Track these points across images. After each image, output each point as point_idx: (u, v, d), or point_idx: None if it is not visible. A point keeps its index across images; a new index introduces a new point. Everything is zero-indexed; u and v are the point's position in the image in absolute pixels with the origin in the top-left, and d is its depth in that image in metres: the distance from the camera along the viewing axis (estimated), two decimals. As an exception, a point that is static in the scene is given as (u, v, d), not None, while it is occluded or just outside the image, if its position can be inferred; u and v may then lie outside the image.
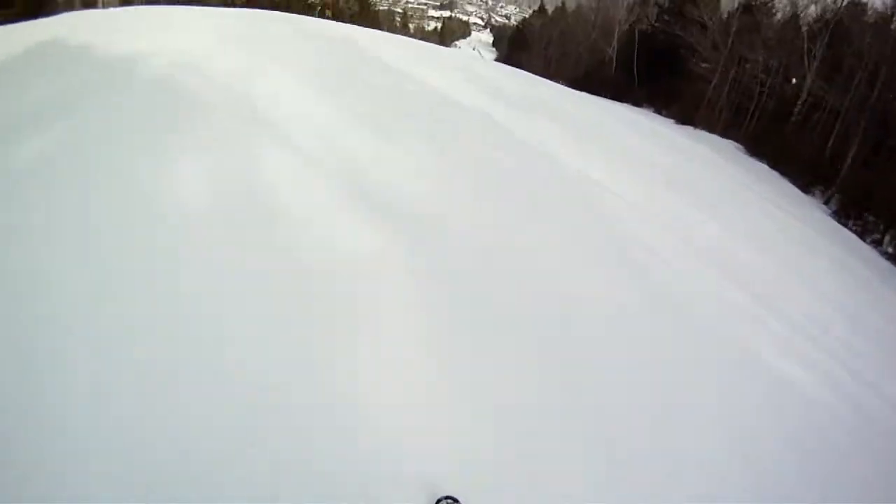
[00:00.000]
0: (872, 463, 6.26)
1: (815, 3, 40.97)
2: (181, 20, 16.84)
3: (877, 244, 24.16)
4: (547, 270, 7.03)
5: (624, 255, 8.39)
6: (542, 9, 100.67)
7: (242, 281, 5.12)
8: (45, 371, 3.84)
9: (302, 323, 4.84)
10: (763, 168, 31.14)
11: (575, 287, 6.91)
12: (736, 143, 36.56)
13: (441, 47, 35.11)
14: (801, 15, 43.03)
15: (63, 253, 5.00)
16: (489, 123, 12.46)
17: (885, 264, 21.89)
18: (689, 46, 46.48)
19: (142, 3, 37.14)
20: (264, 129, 8.45)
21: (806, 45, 37.96)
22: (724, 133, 38.95)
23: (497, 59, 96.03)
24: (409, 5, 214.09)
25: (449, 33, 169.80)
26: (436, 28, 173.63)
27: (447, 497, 3.62)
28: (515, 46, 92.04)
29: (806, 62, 37.78)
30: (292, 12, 32.81)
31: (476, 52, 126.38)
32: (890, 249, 23.87)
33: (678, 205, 12.17)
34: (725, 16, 48.26)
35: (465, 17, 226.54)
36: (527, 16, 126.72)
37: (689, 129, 38.18)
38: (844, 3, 38.12)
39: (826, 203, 28.81)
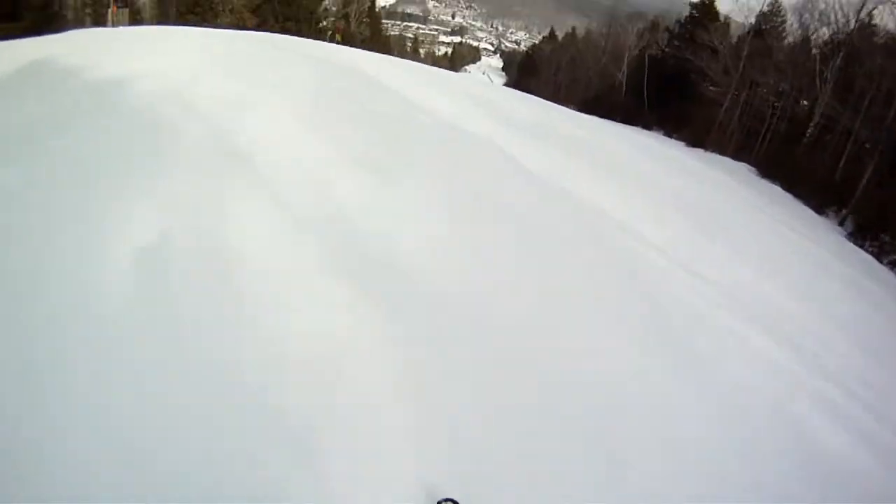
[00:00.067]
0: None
1: (827, 26, 40.79)
2: (182, 42, 16.76)
3: (894, 265, 23.77)
4: (575, 349, 5.74)
5: (660, 324, 6.90)
6: (552, 34, 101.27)
7: (182, 393, 3.93)
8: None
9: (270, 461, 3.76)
10: (776, 190, 30.66)
11: (604, 365, 5.70)
12: (748, 166, 36.23)
13: (451, 72, 35.09)
14: (813, 38, 42.84)
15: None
16: (501, 158, 11.24)
17: (903, 286, 21.42)
18: (700, 71, 46.28)
19: (153, 22, 37.38)
20: (244, 176, 7.34)
21: (818, 68, 37.72)
22: (736, 155, 38.64)
23: (507, 84, 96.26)
24: (421, 31, 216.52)
25: (459, 58, 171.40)
26: (446, 53, 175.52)
27: (447, 499, 3.55)
28: (525, 71, 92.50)
29: (818, 84, 37.55)
30: (304, 37, 33.01)
31: (486, 76, 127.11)
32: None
33: (706, 245, 11.22)
34: (735, 40, 48.20)
35: (475, 43, 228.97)
36: (537, 41, 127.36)
37: (700, 151, 37.96)
38: (856, 26, 37.88)
39: (840, 224, 28.37)
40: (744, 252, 11.85)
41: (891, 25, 38.96)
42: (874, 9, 37.61)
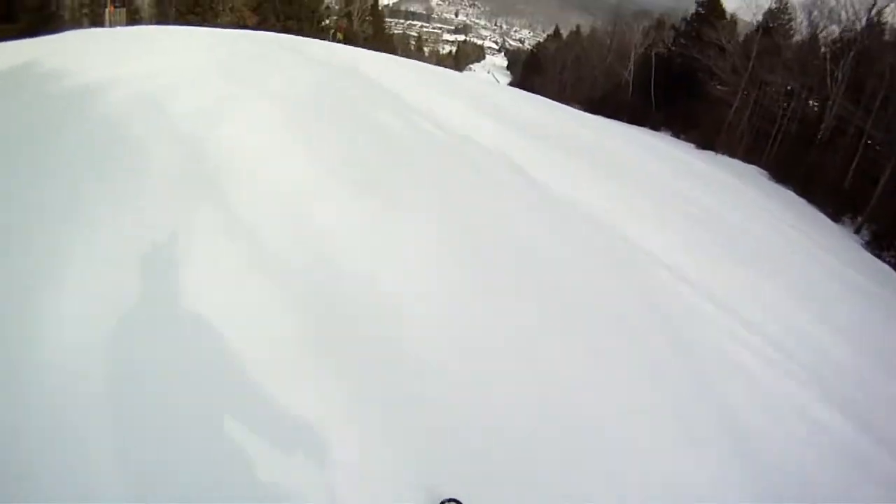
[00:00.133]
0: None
1: (837, 24, 40.04)
2: (174, 42, 16.32)
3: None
4: (603, 427, 4.73)
5: (704, 393, 5.79)
6: (556, 33, 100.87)
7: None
8: None
9: None
10: (790, 196, 29.80)
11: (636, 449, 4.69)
12: (759, 169, 35.47)
13: (455, 73, 34.38)
14: (821, 36, 42.10)
15: None
16: (511, 171, 10.37)
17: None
18: (707, 69, 45.71)
19: (151, 22, 36.97)
20: (210, 210, 6.13)
21: (828, 67, 36.95)
22: (746, 158, 37.91)
23: (512, 83, 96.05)
24: (424, 29, 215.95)
25: (464, 57, 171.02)
26: (451, 52, 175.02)
27: (450, 500, 3.54)
28: (530, 70, 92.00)
29: (829, 84, 36.79)
30: (305, 35, 32.52)
31: (491, 75, 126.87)
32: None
33: (738, 273, 9.95)
34: (742, 38, 47.45)
35: (479, 42, 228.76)
36: (541, 40, 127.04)
37: (711, 154, 37.21)
38: (866, 24, 37.14)
39: (857, 232, 27.45)
40: (776, 279, 10.75)
41: (899, 23, 38.27)
42: (886, 6, 36.91)
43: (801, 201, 28.87)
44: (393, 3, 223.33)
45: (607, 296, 6.98)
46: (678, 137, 44.45)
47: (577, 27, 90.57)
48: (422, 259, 6.25)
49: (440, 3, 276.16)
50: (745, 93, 42.56)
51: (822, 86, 37.72)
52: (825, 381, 7.10)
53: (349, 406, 4.14)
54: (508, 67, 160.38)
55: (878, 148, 32.12)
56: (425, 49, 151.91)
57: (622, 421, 4.89)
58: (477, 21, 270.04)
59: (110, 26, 28.31)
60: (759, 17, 46.35)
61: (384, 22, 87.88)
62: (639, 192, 12.81)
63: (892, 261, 23.66)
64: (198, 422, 3.69)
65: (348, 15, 62.09)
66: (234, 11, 44.05)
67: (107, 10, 30.80)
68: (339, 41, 44.85)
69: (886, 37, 37.39)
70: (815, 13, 42.60)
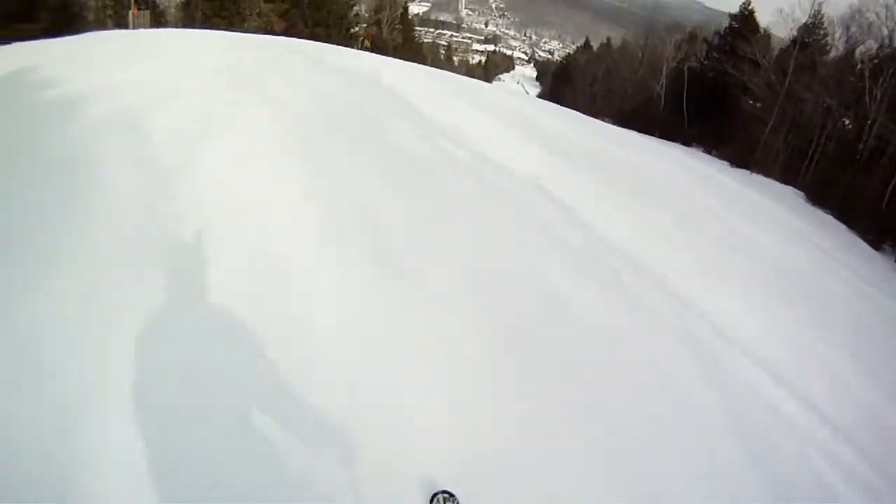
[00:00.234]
0: None
1: (875, 39, 38.89)
2: (186, 46, 15.79)
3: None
4: None
5: None
6: (587, 44, 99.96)
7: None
8: None
9: None
10: (828, 220, 28.14)
11: None
12: (795, 190, 34.18)
13: (483, 83, 33.63)
14: (859, 52, 40.95)
15: None
16: (551, 214, 8.86)
17: None
18: (741, 85, 44.65)
19: (177, 25, 36.80)
20: (157, 275, 4.88)
21: (867, 84, 35.85)
22: (781, 177, 36.73)
23: (541, 94, 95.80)
24: (454, 39, 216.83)
25: (493, 67, 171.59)
26: (480, 62, 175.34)
27: (443, 492, 3.63)
28: (560, 81, 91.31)
29: (867, 101, 35.67)
30: (333, 43, 32.11)
31: (520, 86, 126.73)
32: None
33: (785, 323, 8.44)
34: (776, 53, 46.40)
35: (508, 52, 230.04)
36: (570, 51, 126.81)
37: (745, 173, 36.08)
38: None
39: (897, 261, 25.75)
40: (825, 328, 9.11)
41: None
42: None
43: (841, 227, 27.33)
44: (423, 13, 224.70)
45: (687, 404, 5.57)
46: (710, 154, 43.50)
47: (608, 39, 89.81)
48: (452, 384, 4.63)
49: (470, 13, 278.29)
50: (782, 110, 41.40)
51: (861, 104, 36.59)
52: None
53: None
54: (538, 78, 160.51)
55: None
56: (455, 59, 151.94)
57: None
58: (506, 31, 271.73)
59: (134, 28, 28.26)
60: (795, 32, 45.17)
61: (414, 30, 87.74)
62: (689, 231, 11.71)
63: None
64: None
65: (378, 23, 61.91)
66: (262, 16, 43.69)
67: (130, 12, 30.69)
68: (366, 49, 44.57)
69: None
70: (854, 28, 41.48)
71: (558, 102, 43.45)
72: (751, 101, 44.79)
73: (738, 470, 4.86)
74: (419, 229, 7.07)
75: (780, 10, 45.50)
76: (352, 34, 54.48)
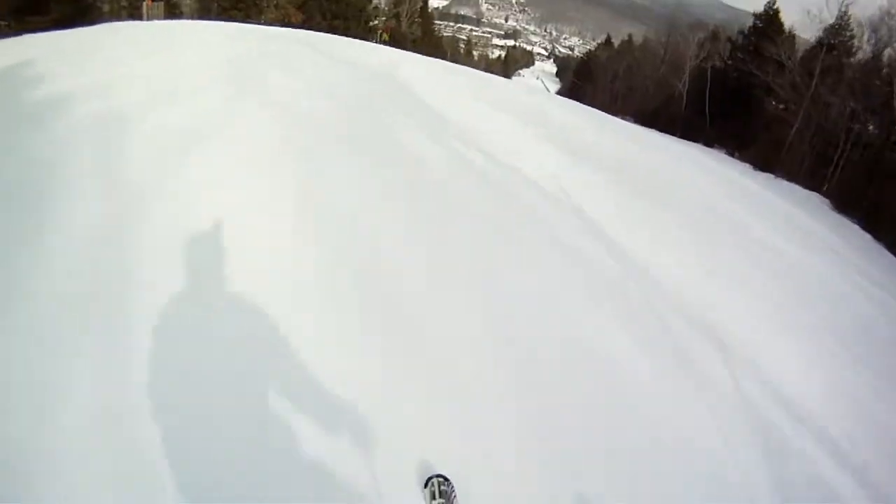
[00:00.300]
0: None
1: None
2: (195, 40, 15.30)
3: None
4: None
5: None
6: (608, 41, 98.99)
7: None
8: None
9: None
10: (855, 231, 26.89)
11: None
12: (820, 197, 33.27)
13: (503, 80, 33.04)
14: (887, 54, 40.02)
15: None
16: (580, 237, 7.91)
17: None
18: (765, 86, 43.82)
19: (193, 17, 36.51)
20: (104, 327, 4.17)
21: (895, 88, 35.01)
22: (807, 183, 35.82)
23: (561, 90, 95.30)
24: (474, 33, 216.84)
25: (513, 62, 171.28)
26: (500, 56, 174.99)
27: (438, 475, 3.56)
28: (580, 78, 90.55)
29: (895, 106, 34.83)
30: (351, 36, 31.67)
31: (540, 81, 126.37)
32: None
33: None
34: (800, 54, 45.49)
35: (528, 47, 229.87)
36: (591, 47, 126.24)
37: (770, 177, 35.20)
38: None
39: (926, 278, 24.60)
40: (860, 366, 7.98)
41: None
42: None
43: (867, 237, 26.25)
44: (443, 6, 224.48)
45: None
46: (732, 156, 42.76)
47: (630, 36, 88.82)
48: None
49: (490, 7, 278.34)
50: (807, 113, 40.50)
51: (888, 108, 35.72)
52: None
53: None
54: (557, 74, 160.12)
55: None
56: (475, 53, 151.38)
57: None
58: (526, 27, 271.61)
59: (148, 20, 28.01)
60: (820, 33, 44.26)
61: (433, 24, 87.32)
62: (737, 263, 10.24)
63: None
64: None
65: (396, 16, 61.44)
66: (279, 8, 43.24)
67: (144, 4, 30.41)
68: (384, 42, 44.10)
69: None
70: (883, 31, 40.54)
71: (578, 99, 42.96)
72: (774, 103, 43.95)
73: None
74: (422, 254, 6.18)
75: (808, 11, 44.55)
76: (370, 27, 54.04)
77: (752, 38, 50.03)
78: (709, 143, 45.85)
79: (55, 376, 3.68)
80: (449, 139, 10.43)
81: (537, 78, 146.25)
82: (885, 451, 6.04)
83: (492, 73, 44.07)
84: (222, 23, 25.44)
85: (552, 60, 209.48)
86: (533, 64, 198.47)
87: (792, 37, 48.43)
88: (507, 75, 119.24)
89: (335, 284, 5.13)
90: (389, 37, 53.42)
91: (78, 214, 5.30)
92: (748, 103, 46.34)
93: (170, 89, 9.31)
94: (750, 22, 52.37)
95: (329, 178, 7.35)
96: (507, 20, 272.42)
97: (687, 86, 56.04)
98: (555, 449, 4.20)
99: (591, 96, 66.37)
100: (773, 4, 50.25)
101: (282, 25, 34.86)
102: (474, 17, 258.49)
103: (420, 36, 66.02)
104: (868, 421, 6.51)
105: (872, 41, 41.79)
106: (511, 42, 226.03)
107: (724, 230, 12.36)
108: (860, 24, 42.58)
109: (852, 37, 43.40)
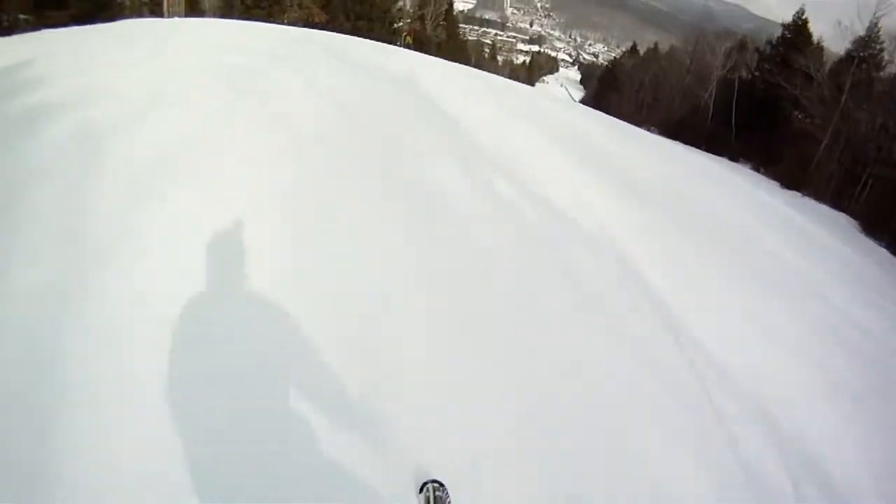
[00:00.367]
0: None
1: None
2: (205, 41, 14.90)
3: None
4: None
5: None
6: (633, 49, 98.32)
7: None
8: None
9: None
10: (885, 257, 25.10)
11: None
12: (847, 217, 32.17)
13: (530, 89, 32.41)
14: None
15: None
16: (642, 318, 6.60)
17: None
18: (793, 99, 43.00)
19: (215, 14, 36.38)
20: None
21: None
22: (835, 202, 34.89)
23: (585, 98, 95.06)
24: (499, 37, 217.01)
25: (537, 68, 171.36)
26: (524, 62, 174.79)
27: (433, 481, 3.56)
28: (605, 86, 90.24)
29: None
30: (375, 37, 31.37)
31: (564, 89, 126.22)
32: None
33: None
34: (828, 66, 44.63)
35: (553, 53, 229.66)
36: (615, 55, 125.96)
37: (796, 195, 34.37)
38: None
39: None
40: None
41: None
42: None
43: None
44: (468, 10, 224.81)
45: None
46: (758, 170, 41.93)
47: (656, 44, 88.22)
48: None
49: (515, 11, 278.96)
50: (836, 128, 39.58)
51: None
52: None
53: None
54: (582, 81, 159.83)
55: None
56: (499, 58, 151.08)
57: None
58: (551, 32, 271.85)
59: (169, 16, 27.92)
60: (849, 45, 43.37)
61: (458, 28, 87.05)
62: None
63: None
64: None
65: (421, 18, 61.15)
66: (303, 8, 42.94)
67: (165, 0, 30.20)
68: (407, 46, 43.76)
69: None
70: (919, 43, 39.78)
71: (604, 108, 42.42)
72: (801, 116, 43.10)
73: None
74: (441, 331, 5.00)
75: (839, 23, 43.70)
76: (394, 29, 53.71)
77: (781, 49, 49.35)
78: (734, 157, 45.13)
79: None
80: (475, 166, 9.37)
81: (561, 85, 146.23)
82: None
83: (516, 78, 43.67)
84: (240, 22, 25.10)
85: (576, 67, 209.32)
86: (557, 70, 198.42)
87: (820, 49, 47.70)
88: (531, 81, 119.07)
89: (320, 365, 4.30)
90: (413, 39, 53.16)
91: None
92: (775, 116, 45.60)
93: (155, 103, 8.37)
94: (778, 32, 51.56)
95: (328, 223, 6.10)
96: (531, 25, 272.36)
97: (713, 96, 55.34)
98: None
99: (617, 105, 65.92)
100: (802, 15, 49.43)
101: (304, 25, 34.62)
102: (499, 21, 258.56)
103: (444, 39, 65.75)
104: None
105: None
106: (535, 48, 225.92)
107: (795, 294, 10.86)
108: (893, 37, 41.78)
109: (882, 50, 42.57)
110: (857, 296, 12.94)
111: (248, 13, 38.08)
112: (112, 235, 5.02)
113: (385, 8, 51.68)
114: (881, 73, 41.34)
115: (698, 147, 44.13)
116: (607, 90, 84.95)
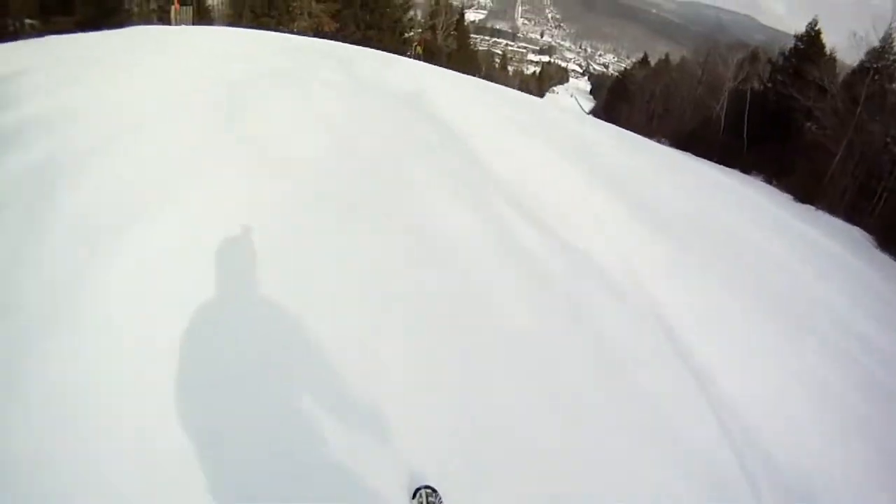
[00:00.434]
0: None
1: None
2: (201, 52, 14.73)
3: None
4: None
5: None
6: (644, 60, 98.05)
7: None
8: None
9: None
10: None
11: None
12: (861, 231, 31.42)
13: (547, 107, 32.01)
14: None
15: None
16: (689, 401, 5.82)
17: None
18: (806, 110, 42.57)
19: (224, 23, 36.43)
20: None
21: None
22: (849, 216, 34.28)
23: (595, 109, 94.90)
24: (510, 48, 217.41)
25: (547, 79, 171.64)
26: (535, 73, 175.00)
27: (425, 486, 3.55)
28: (615, 97, 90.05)
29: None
30: (385, 47, 31.21)
31: (574, 100, 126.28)
32: None
33: None
34: (840, 78, 44.23)
35: (563, 63, 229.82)
36: (626, 65, 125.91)
37: (809, 209, 33.88)
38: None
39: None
40: None
41: None
42: None
43: None
44: (479, 20, 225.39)
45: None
46: (770, 183, 41.44)
47: (667, 55, 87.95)
48: None
49: (526, 22, 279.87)
50: (850, 141, 39.10)
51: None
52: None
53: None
54: (592, 92, 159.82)
55: None
56: (509, 68, 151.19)
57: None
58: (562, 43, 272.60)
59: (176, 24, 27.94)
60: (863, 56, 42.92)
61: (469, 38, 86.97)
62: None
63: None
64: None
65: (432, 28, 61.05)
66: (312, 17, 42.79)
67: (172, 8, 30.17)
68: (417, 56, 43.59)
69: None
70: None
71: (614, 119, 42.23)
72: (813, 128, 42.64)
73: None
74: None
75: (854, 34, 43.26)
76: (405, 39, 53.59)
77: (793, 60, 48.90)
78: (746, 169, 44.68)
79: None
80: (485, 201, 8.40)
81: (571, 96, 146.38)
82: None
83: (526, 88, 43.44)
84: (245, 31, 24.86)
85: (586, 78, 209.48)
86: (567, 81, 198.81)
87: (833, 60, 47.33)
88: (541, 92, 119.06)
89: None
90: (424, 49, 53.00)
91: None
92: (788, 128, 45.14)
93: (131, 129, 7.63)
94: (789, 43, 51.19)
95: (305, 285, 5.27)
96: (542, 36, 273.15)
97: (725, 108, 54.92)
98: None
99: (627, 116, 65.69)
100: (815, 26, 49.03)
101: (314, 34, 34.51)
102: (510, 31, 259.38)
103: (455, 49, 65.65)
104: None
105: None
106: (546, 58, 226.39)
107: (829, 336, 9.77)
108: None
109: (895, 61, 42.16)
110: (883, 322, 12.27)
111: (256, 21, 38.04)
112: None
113: (396, 18, 51.64)
114: (895, 86, 40.91)
115: (710, 159, 43.81)
116: (618, 101, 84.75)
